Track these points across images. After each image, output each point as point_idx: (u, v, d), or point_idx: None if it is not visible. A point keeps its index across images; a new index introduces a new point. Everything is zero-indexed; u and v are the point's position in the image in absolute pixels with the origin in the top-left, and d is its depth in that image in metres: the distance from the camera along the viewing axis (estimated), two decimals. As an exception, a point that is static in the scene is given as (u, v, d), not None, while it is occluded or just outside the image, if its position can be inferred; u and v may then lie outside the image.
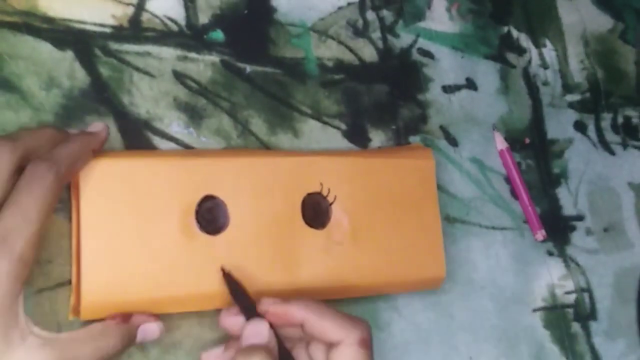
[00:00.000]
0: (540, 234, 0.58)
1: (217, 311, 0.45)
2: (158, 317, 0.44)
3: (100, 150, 0.44)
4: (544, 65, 0.63)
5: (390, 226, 0.50)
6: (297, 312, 0.42)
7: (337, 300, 0.50)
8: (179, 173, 0.45)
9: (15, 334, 0.37)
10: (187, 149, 0.49)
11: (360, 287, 0.49)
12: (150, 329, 0.43)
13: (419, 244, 0.51)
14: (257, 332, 0.41)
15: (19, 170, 0.39)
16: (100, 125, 0.45)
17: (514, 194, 0.59)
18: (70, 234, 0.44)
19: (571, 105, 0.64)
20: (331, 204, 0.49)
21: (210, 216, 0.46)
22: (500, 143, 0.59)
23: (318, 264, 0.47)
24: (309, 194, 0.48)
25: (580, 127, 0.64)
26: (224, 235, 0.45)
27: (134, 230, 0.43)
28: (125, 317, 0.42)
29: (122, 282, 0.42)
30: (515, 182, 0.59)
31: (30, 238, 0.37)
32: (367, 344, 0.42)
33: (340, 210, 0.49)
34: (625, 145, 0.65)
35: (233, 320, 0.43)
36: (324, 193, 0.49)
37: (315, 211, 0.48)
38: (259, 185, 0.47)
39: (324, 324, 0.42)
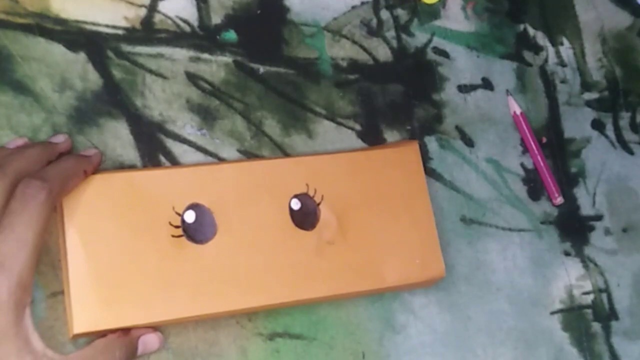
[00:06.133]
0: (560, 199, 0.58)
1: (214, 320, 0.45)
2: (156, 329, 0.44)
3: (91, 174, 0.43)
4: (562, 63, 0.62)
5: (381, 220, 0.49)
6: None
7: (353, 300, 0.50)
8: (161, 183, 0.44)
9: (28, 358, 0.37)
10: (200, 151, 0.49)
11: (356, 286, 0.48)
12: (150, 340, 0.43)
13: (412, 237, 0.50)
14: None
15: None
16: (92, 150, 0.45)
17: (532, 192, 0.58)
18: None
19: (589, 103, 0.63)
20: (319, 204, 0.48)
21: (196, 225, 0.45)
22: (514, 107, 0.58)
23: (311, 266, 0.47)
24: (295, 195, 0.48)
25: (598, 125, 0.63)
26: (212, 244, 0.45)
27: (120, 246, 0.42)
28: (125, 330, 0.42)
29: (114, 302, 0.42)
30: (530, 147, 0.58)
31: (27, 261, 0.37)
32: None
33: (329, 210, 0.48)
34: (644, 145, 0.64)
35: None
36: (311, 194, 0.48)
37: (304, 213, 0.48)
38: (244, 191, 0.46)
39: None
